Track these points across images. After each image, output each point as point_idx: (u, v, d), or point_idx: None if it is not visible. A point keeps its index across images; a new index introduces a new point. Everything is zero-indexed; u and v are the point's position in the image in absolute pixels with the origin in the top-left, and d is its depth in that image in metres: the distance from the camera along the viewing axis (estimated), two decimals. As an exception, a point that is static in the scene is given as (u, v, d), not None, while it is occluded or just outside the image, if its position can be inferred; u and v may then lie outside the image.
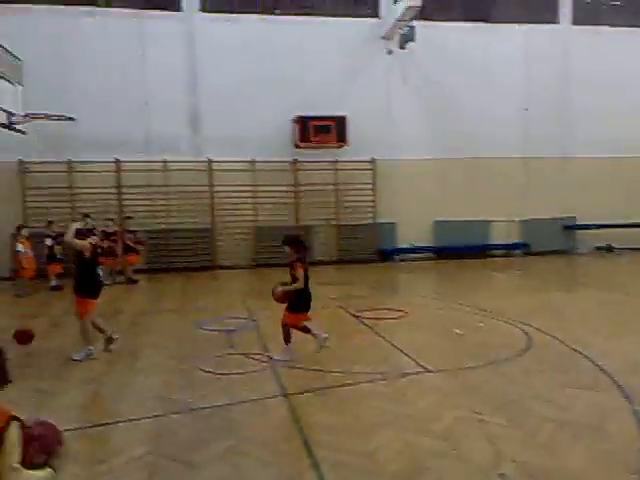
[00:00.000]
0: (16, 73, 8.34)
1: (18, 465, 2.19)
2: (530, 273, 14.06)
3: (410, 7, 13.19)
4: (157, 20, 14.07)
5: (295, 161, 14.94)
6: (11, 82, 8.10)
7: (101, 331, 6.85)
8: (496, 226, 16.20)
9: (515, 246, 16.46)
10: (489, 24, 15.78)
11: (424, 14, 14.02)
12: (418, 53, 14.67)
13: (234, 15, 14.58)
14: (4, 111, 7.81)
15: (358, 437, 4.30)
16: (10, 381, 2.40)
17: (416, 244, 15.74)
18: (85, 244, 6.52)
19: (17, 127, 8.68)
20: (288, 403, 5.05)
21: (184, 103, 14.42)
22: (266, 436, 4.38)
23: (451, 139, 15.53)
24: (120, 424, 4.71)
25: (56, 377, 5.96)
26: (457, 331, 7.50)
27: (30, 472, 2.24)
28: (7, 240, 12.88)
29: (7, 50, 8.04)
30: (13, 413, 2.24)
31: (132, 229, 13.07)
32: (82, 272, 6.65)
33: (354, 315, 8.70)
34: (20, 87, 8.53)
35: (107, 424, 4.70)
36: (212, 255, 14.76)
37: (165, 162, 14.20)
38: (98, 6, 14.01)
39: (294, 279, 6.31)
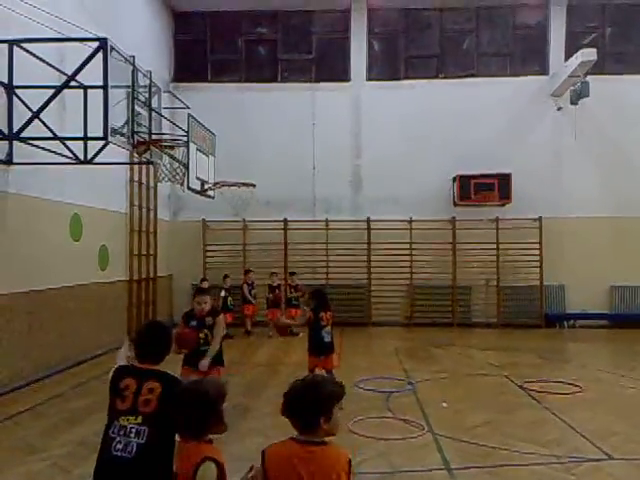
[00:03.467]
0: (210, 146, 9.48)
1: None
2: None
3: (584, 62, 12.63)
4: (327, 91, 15.07)
5: (453, 219, 14.74)
6: (205, 154, 9.20)
7: None
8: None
9: None
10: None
11: (598, 67, 13.34)
12: (591, 108, 13.88)
13: (398, 82, 15.15)
14: (199, 179, 8.88)
15: (533, 528, 3.97)
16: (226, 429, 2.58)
17: (587, 310, 14.43)
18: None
19: (207, 193, 9.78)
20: (453, 479, 4.84)
21: (348, 166, 15.11)
22: (431, 513, 4.23)
23: (629, 196, 14.29)
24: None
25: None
26: (645, 415, 6.67)
27: None
28: (189, 289, 14.33)
29: (204, 125, 9.18)
30: (210, 455, 2.40)
31: (295, 284, 13.73)
32: None
33: (520, 386, 8.15)
34: (213, 158, 9.65)
35: None
36: (367, 311, 14.93)
37: (327, 221, 14.89)
38: (277, 82, 15.43)
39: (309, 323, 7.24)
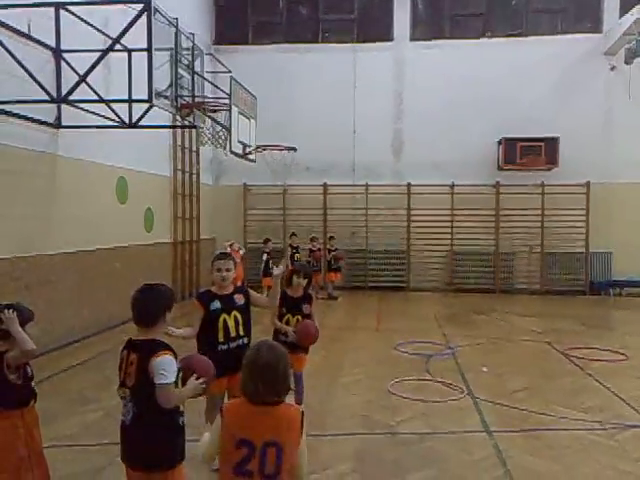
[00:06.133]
0: (252, 109, 9.48)
1: None
2: None
3: (639, 19, 11.97)
4: (369, 52, 14.75)
5: (497, 184, 14.42)
6: (247, 117, 9.21)
7: None
8: None
9: None
10: None
11: (655, 25, 12.61)
12: (647, 67, 13.21)
13: (442, 41, 14.69)
14: (241, 143, 8.92)
15: (573, 490, 3.99)
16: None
17: (634, 278, 14.01)
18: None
19: (249, 157, 9.82)
20: (492, 441, 4.87)
21: (389, 130, 14.88)
22: (470, 473, 4.28)
23: (685, 161, 13.66)
24: (327, 437, 4.99)
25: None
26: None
27: None
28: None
29: (245, 88, 9.17)
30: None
31: (334, 248, 13.79)
32: None
33: (562, 352, 8.06)
34: (254, 121, 9.66)
35: (315, 435, 4.99)
36: (407, 276, 14.91)
37: (367, 186, 14.79)
38: (318, 42, 15.16)
39: (309, 315, 5.21)
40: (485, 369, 7.17)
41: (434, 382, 6.62)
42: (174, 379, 2.85)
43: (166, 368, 2.81)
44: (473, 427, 5.22)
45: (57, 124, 8.05)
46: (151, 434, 2.85)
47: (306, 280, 5.21)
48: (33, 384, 3.27)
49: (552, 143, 13.72)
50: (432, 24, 14.99)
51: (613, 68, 13.93)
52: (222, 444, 2.38)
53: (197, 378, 2.97)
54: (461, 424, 5.28)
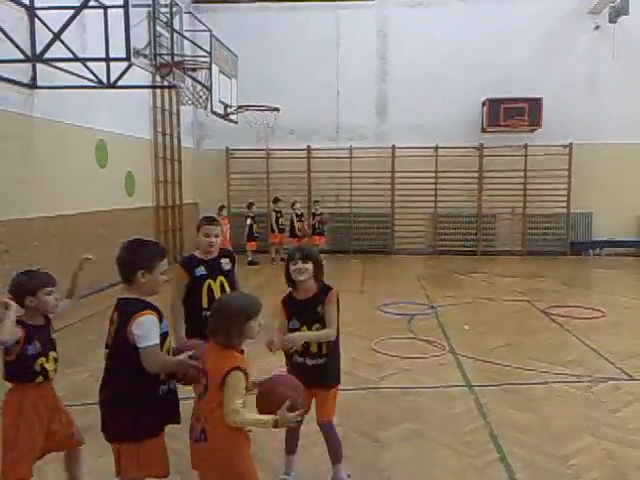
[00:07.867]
0: (233, 68, 9.28)
1: (239, 408, 2.48)
2: None
3: (625, -24, 11.89)
4: (352, 11, 14.43)
5: (481, 146, 14.42)
6: (228, 76, 9.02)
7: None
8: None
9: None
10: None
11: (640, -18, 12.50)
12: (631, 27, 13.12)
13: (426, 0, 14.38)
14: (222, 103, 8.76)
15: (551, 439, 4.11)
16: None
17: (614, 238, 14.26)
18: None
19: (231, 117, 9.66)
20: (473, 395, 4.99)
21: (373, 91, 14.70)
22: (451, 425, 4.39)
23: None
24: (313, 393, 5.07)
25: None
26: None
27: (249, 414, 2.52)
28: (214, 217, 14.47)
29: (225, 46, 8.96)
30: (239, 364, 2.53)
31: (319, 212, 13.77)
32: None
33: (542, 310, 8.23)
34: (235, 81, 9.47)
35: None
36: (391, 239, 14.99)
37: (351, 149, 14.69)
38: (301, 1, 14.71)
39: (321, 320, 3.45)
40: (467, 327, 7.30)
41: (417, 340, 6.73)
42: (158, 341, 2.70)
43: (149, 329, 2.65)
44: (454, 382, 5.34)
45: (32, 84, 7.82)
46: (117, 401, 2.73)
47: (310, 263, 3.32)
48: (39, 364, 3.13)
49: (535, 104, 13.70)
50: (416, -17, 14.67)
51: (597, 27, 13.84)
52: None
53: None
54: (443, 379, 5.40)
